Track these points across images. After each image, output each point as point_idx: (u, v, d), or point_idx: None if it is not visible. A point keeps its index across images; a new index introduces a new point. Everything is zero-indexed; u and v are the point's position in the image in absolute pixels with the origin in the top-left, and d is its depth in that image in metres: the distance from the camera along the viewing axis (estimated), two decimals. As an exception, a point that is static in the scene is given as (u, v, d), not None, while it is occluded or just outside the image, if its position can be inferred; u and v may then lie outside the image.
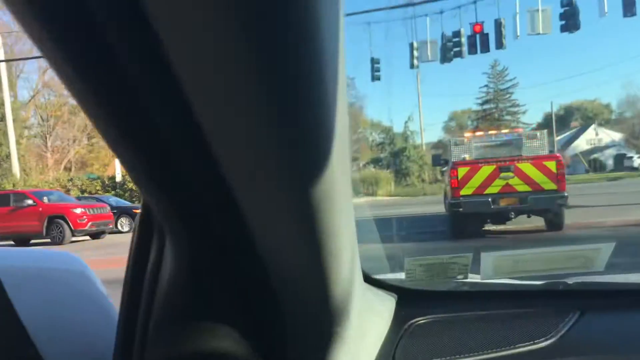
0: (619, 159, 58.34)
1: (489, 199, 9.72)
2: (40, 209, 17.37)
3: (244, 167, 0.53)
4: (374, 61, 22.51)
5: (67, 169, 45.25)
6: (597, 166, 58.07)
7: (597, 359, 1.08)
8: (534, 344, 1.12)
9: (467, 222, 10.28)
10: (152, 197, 0.63)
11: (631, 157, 55.03)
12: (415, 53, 20.80)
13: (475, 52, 18.97)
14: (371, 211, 17.86)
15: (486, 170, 9.76)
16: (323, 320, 0.76)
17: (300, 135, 0.49)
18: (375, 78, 22.58)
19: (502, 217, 10.27)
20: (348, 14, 24.54)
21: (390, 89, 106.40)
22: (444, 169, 12.85)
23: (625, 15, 15.78)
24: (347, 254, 0.72)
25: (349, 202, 0.69)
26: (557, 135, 54.91)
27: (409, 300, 1.27)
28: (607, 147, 63.98)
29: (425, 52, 20.45)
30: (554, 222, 10.08)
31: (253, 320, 0.76)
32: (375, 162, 35.69)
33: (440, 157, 14.62)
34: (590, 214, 12.66)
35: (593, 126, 69.07)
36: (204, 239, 0.67)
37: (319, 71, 0.45)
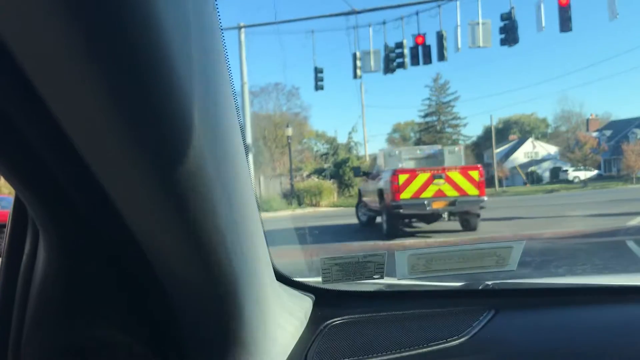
0: (555, 172, 60.24)
1: (425, 202, 11.39)
2: None
3: (109, 165, 0.55)
4: (317, 70, 22.25)
5: None
6: (534, 179, 59.83)
7: (506, 356, 1.12)
8: (446, 342, 1.14)
9: (404, 222, 12.45)
10: (21, 193, 0.63)
11: (566, 170, 56.88)
12: (358, 63, 20.66)
13: (418, 64, 18.94)
14: (311, 222, 17.51)
15: (422, 177, 11.45)
16: (222, 318, 0.76)
17: (155, 129, 0.50)
18: (318, 87, 22.32)
19: (434, 217, 12.02)
20: (289, 20, 24.30)
21: (335, 99, 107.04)
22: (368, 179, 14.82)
23: (561, 30, 16.10)
24: (242, 252, 0.73)
25: (245, 202, 0.73)
26: (496, 148, 56.10)
27: (326, 301, 1.30)
28: (543, 160, 66.08)
29: (369, 62, 20.33)
30: (471, 223, 11.89)
31: (140, 314, 0.75)
32: (319, 172, 35.38)
33: (359, 169, 17.21)
34: (529, 225, 12.74)
35: (530, 139, 71.34)
36: (76, 232, 0.67)
37: (159, 66, 0.47)
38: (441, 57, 18.53)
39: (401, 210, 11.44)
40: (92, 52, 0.43)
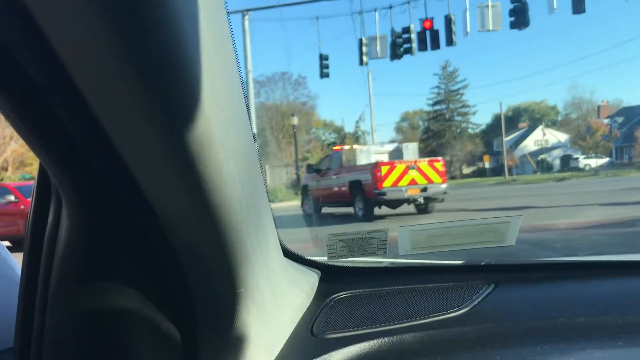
0: (566, 160, 59.46)
1: (402, 189, 13.66)
2: (22, 206, 14.24)
3: (127, 134, 0.58)
4: (322, 57, 21.78)
5: (4, 168, 42.92)
6: (544, 167, 59.08)
7: (505, 326, 1.16)
8: (447, 313, 1.19)
9: (392, 205, 14.42)
10: (45, 162, 0.66)
11: (577, 158, 56.10)
12: (365, 49, 20.17)
13: (425, 49, 18.44)
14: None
15: (399, 168, 13.77)
16: (233, 288, 0.79)
17: (174, 103, 0.54)
18: (324, 75, 21.86)
19: (409, 202, 14.15)
20: (292, 4, 23.79)
21: (342, 87, 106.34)
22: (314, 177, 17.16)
23: (574, 12, 15.53)
24: (253, 225, 0.77)
25: (254, 178, 0.79)
26: (506, 136, 55.39)
27: (331, 277, 1.36)
28: (553, 148, 65.19)
29: (375, 48, 19.84)
30: (428, 208, 14.31)
31: (157, 282, 0.78)
32: (325, 162, 34.94)
33: (311, 166, 19.18)
34: (541, 215, 12.25)
35: (540, 127, 70.38)
36: (98, 201, 0.70)
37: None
38: (449, 41, 18.00)
39: (385, 197, 13.55)
40: (115, 33, 0.46)
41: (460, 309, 1.20)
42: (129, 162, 0.61)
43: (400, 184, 13.62)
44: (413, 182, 13.68)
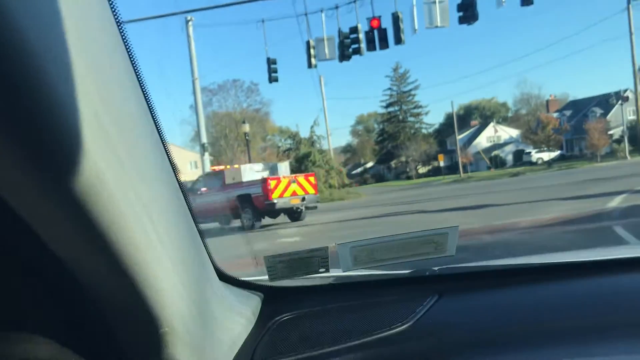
0: (518, 155, 60.39)
1: (288, 199, 15.93)
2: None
3: (18, 196, 0.55)
4: (270, 61, 21.10)
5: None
6: (498, 163, 59.87)
7: (448, 339, 1.15)
8: (391, 329, 1.17)
9: (275, 214, 16.75)
10: None
11: (529, 153, 56.98)
12: (312, 51, 19.58)
13: (374, 49, 17.95)
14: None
15: (284, 182, 16.01)
16: (155, 328, 0.74)
17: (41, 142, 0.49)
18: (272, 79, 21.20)
19: (293, 211, 16.64)
20: (233, 3, 23.14)
21: (295, 92, 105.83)
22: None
23: (523, 4, 15.31)
24: (170, 256, 0.73)
25: (170, 208, 0.75)
26: (459, 134, 55.82)
27: (274, 298, 1.32)
28: (506, 143, 66.30)
29: (323, 50, 19.26)
30: (301, 216, 16.83)
31: (74, 330, 0.76)
32: (280, 169, 34.15)
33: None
34: (501, 214, 11.85)
35: (492, 124, 71.44)
36: None
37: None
38: (398, 40, 17.55)
39: (275, 207, 15.73)
40: None
41: (404, 324, 1.19)
42: (25, 219, 0.58)
43: (285, 195, 15.90)
44: (294, 194, 16.08)
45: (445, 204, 15.88)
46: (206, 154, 24.52)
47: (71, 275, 0.68)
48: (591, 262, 1.41)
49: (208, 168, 24.60)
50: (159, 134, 0.77)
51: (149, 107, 0.74)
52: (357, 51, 18.37)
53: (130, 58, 0.67)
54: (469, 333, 1.15)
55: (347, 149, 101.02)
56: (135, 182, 0.63)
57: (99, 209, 0.56)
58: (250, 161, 28.43)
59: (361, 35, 18.14)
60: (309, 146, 35.52)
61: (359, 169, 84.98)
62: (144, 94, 0.72)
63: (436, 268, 1.38)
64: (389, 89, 74.83)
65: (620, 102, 39.79)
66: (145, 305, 0.70)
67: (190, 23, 24.36)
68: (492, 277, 1.37)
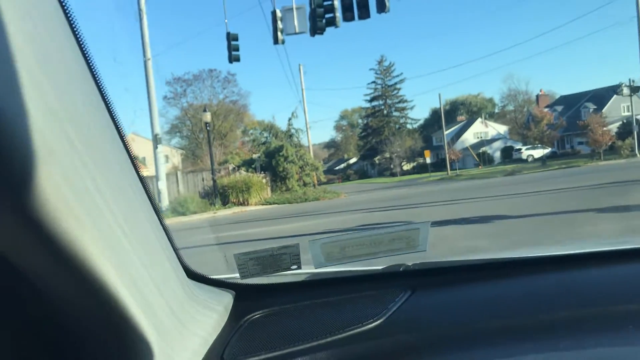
0: (507, 152, 57.97)
1: None
2: None
3: None
4: (230, 37, 17.79)
5: None
6: (486, 159, 57.16)
7: (419, 335, 1.15)
8: (363, 325, 1.17)
9: None
10: None
11: (519, 149, 54.43)
12: (280, 24, 16.30)
13: (352, 18, 14.70)
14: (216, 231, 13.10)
15: None
16: (125, 328, 0.73)
17: None
18: (234, 58, 17.91)
19: None
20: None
21: (274, 83, 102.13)
22: None
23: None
24: (138, 250, 0.73)
25: (131, 206, 0.74)
26: (446, 130, 52.87)
27: (246, 296, 1.30)
28: (494, 139, 63.95)
29: (292, 21, 16.01)
30: None
31: (36, 337, 0.75)
32: (249, 164, 30.39)
33: None
34: (522, 235, 8.66)
35: (479, 119, 69.02)
36: None
37: None
38: (381, 7, 14.35)
39: None
40: None
41: (376, 320, 1.18)
42: None
43: None
44: None
45: (438, 212, 12.46)
46: (159, 146, 21.12)
47: (33, 286, 0.65)
48: (563, 255, 1.42)
49: (162, 162, 21.43)
50: (116, 126, 0.75)
51: (103, 97, 0.71)
52: (332, 22, 15.08)
53: (79, 45, 0.65)
54: (442, 328, 1.16)
55: (331, 144, 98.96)
56: (93, 172, 0.61)
57: (60, 207, 0.54)
58: (211, 156, 25.01)
59: (336, 2, 14.88)
60: (286, 139, 32.18)
61: (342, 165, 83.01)
62: (96, 83, 0.69)
63: (409, 263, 1.39)
64: (374, 82, 73.19)
65: (632, 93, 36.65)
66: (115, 306, 0.68)
67: (141, -5, 20.94)
68: (465, 272, 1.38)
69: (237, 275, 1.25)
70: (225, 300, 1.22)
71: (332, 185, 48.03)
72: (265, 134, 37.56)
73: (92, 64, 0.69)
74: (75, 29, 0.65)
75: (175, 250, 1.01)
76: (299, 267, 1.25)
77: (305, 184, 29.89)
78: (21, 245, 0.57)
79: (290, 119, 34.33)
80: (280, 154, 29.33)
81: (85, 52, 0.67)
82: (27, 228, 0.54)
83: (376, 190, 31.28)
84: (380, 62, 72.38)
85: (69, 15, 0.64)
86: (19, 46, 0.49)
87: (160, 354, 0.78)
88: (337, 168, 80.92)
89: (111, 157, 0.69)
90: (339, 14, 14.96)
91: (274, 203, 24.59)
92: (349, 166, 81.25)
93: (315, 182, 31.54)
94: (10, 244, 0.57)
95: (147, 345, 0.76)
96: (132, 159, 0.81)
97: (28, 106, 0.49)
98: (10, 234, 0.55)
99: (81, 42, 0.66)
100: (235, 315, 1.22)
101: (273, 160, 29.20)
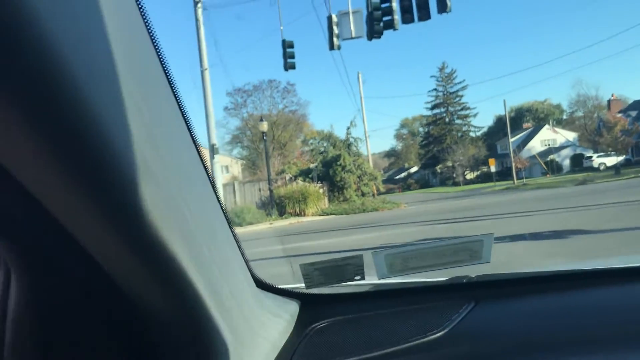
0: (577, 160, 55.20)
1: None
2: None
3: (61, 204, 0.57)
4: (286, 44, 17.39)
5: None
6: (554, 168, 54.68)
7: (483, 346, 1.14)
8: (426, 336, 1.17)
9: None
10: None
11: (590, 157, 51.69)
12: (335, 29, 15.74)
13: (412, 20, 13.98)
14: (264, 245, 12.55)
15: None
16: (202, 333, 0.78)
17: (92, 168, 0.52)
18: (289, 66, 17.49)
19: None
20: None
21: (333, 92, 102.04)
22: None
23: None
24: (216, 258, 0.77)
25: (207, 215, 0.77)
26: (511, 137, 50.91)
27: (311, 306, 1.34)
28: (562, 147, 61.23)
29: (348, 26, 15.42)
30: None
31: (118, 338, 0.77)
32: (306, 174, 29.91)
33: None
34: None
35: (547, 126, 66.40)
36: (46, 274, 0.70)
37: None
38: (443, 7, 13.54)
39: None
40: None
41: (439, 331, 1.18)
42: (68, 229, 0.60)
43: None
44: None
45: (507, 225, 11.23)
46: (216, 156, 20.94)
47: (116, 288, 0.69)
48: (631, 268, 1.38)
49: (218, 172, 21.24)
50: (193, 139, 0.77)
51: (181, 112, 0.74)
52: (390, 25, 14.38)
53: (159, 58, 0.67)
54: (505, 340, 1.14)
55: (391, 153, 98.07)
56: (180, 185, 0.64)
57: (156, 217, 0.58)
58: (268, 166, 24.69)
59: (395, 4, 14.18)
60: (344, 149, 31.56)
61: (403, 174, 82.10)
62: (175, 96, 0.72)
63: (473, 275, 1.37)
64: (435, 89, 72.06)
65: None
66: (198, 307, 0.73)
67: (199, 5, 20.95)
68: (529, 284, 1.36)
69: (302, 285, 1.27)
70: (291, 309, 1.27)
71: (391, 195, 47.10)
72: (324, 144, 37.05)
73: (172, 80, 0.70)
74: (156, 46, 0.67)
75: (246, 260, 1.03)
76: (362, 278, 1.26)
77: (363, 194, 29.12)
78: (118, 250, 0.62)
79: (348, 128, 33.59)
80: (338, 163, 28.67)
81: (166, 69, 0.69)
82: (129, 236, 0.59)
83: (438, 200, 30.09)
84: (441, 69, 71.20)
85: (151, 33, 0.65)
86: (119, 66, 0.52)
87: (234, 355, 0.82)
88: (397, 177, 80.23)
89: (193, 170, 0.72)
90: (397, 16, 14.26)
91: (331, 213, 23.97)
92: (410, 175, 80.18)
93: (375, 191, 30.76)
94: (107, 248, 0.62)
95: (224, 346, 0.80)
96: (207, 171, 0.83)
97: (129, 122, 0.53)
98: (112, 241, 0.60)
99: (162, 59, 0.68)
100: (301, 323, 1.25)
101: (330, 170, 28.61)
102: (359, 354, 1.12)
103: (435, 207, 22.34)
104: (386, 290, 1.41)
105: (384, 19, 14.46)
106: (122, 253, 0.62)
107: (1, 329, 0.72)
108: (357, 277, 1.26)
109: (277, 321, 1.14)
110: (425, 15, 13.80)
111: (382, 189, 33.34)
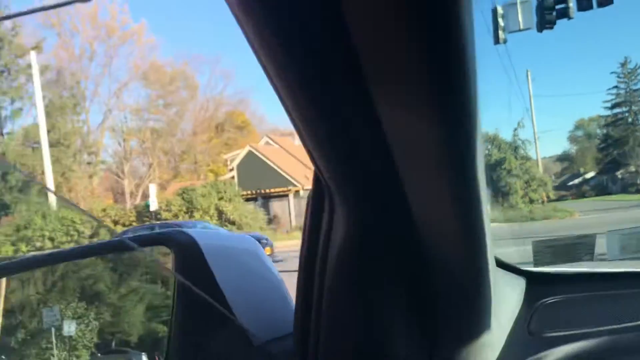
0: None
1: None
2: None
3: (412, 149, 0.65)
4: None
5: (147, 196, 43.08)
6: None
7: None
8: None
9: None
10: (324, 168, 0.74)
11: None
12: (501, 21, 14.59)
13: (590, 7, 12.44)
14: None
15: None
16: (472, 298, 0.88)
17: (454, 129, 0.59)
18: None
19: None
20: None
21: (491, 88, 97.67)
22: None
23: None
24: (483, 238, 0.83)
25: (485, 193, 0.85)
26: None
27: (537, 282, 1.36)
28: None
29: (515, 17, 14.23)
30: None
31: (409, 289, 0.86)
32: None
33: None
34: None
35: None
36: (367, 201, 0.76)
37: (469, 75, 0.55)
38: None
39: None
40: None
41: None
42: (402, 168, 0.68)
43: None
44: None
45: None
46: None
47: (420, 240, 0.78)
48: None
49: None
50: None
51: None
52: (565, 13, 12.93)
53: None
54: None
55: (563, 158, 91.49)
56: (477, 176, 0.70)
57: (469, 195, 0.69)
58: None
59: (571, -11, 12.72)
60: (511, 151, 29.65)
61: (577, 180, 76.17)
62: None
63: None
64: (615, 87, 65.32)
65: None
66: (474, 278, 0.83)
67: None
68: None
69: (526, 263, 1.85)
70: (520, 285, 1.31)
71: (564, 202, 43.54)
72: (488, 146, 35.26)
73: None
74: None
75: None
76: (592, 259, 1.72)
77: (531, 201, 27.10)
78: (447, 215, 0.74)
79: (515, 129, 31.55)
80: (502, 167, 27.04)
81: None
82: (461, 207, 0.71)
83: (619, 209, 26.84)
84: (623, 65, 64.59)
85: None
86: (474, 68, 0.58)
87: (493, 315, 0.91)
88: (570, 183, 74.58)
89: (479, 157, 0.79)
90: (572, 4, 12.78)
91: (493, 221, 22.32)
92: (585, 181, 74.01)
93: (544, 198, 28.47)
94: (439, 212, 0.74)
95: (489, 304, 0.89)
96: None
97: (479, 121, 0.63)
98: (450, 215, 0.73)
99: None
100: (530, 298, 1.28)
101: (494, 174, 26.99)
102: (594, 326, 1.16)
103: (616, 218, 19.76)
104: (612, 273, 1.42)
105: (557, 7, 13.07)
106: (449, 216, 0.72)
107: (323, 267, 0.82)
108: (586, 257, 1.20)
109: (511, 294, 1.23)
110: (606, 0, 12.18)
111: (552, 196, 30.78)
